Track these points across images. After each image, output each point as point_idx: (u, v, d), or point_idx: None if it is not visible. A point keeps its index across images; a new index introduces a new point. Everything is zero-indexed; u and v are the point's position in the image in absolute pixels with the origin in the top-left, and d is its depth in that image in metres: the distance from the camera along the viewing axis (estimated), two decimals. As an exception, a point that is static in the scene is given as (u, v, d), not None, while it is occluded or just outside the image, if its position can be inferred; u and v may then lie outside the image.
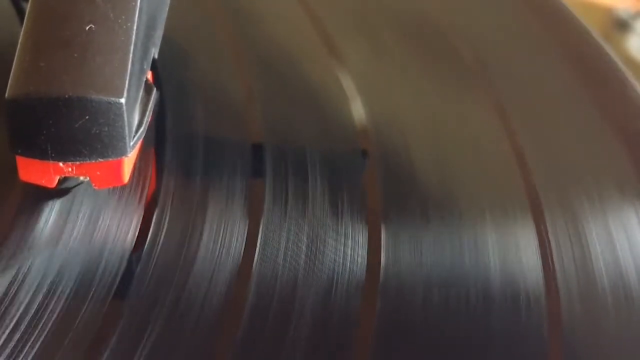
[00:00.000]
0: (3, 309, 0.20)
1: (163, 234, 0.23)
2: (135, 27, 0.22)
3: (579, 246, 0.24)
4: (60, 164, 0.21)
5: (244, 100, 0.27)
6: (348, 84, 0.28)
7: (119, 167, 0.22)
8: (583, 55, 0.31)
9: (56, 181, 0.22)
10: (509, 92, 0.29)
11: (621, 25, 0.66)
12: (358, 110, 0.27)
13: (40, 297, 0.21)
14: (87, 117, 0.21)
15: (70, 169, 0.21)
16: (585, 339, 0.22)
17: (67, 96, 0.20)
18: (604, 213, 0.25)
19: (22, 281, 0.21)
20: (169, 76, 0.27)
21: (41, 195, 0.23)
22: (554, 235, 0.24)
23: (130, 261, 0.22)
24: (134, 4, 0.22)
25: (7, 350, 0.20)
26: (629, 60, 0.63)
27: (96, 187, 0.22)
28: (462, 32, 0.32)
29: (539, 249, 0.24)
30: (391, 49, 0.31)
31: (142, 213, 0.23)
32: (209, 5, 0.31)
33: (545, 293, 0.23)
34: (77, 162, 0.21)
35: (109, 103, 0.21)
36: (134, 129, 0.22)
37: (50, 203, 0.23)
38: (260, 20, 0.31)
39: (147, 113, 0.23)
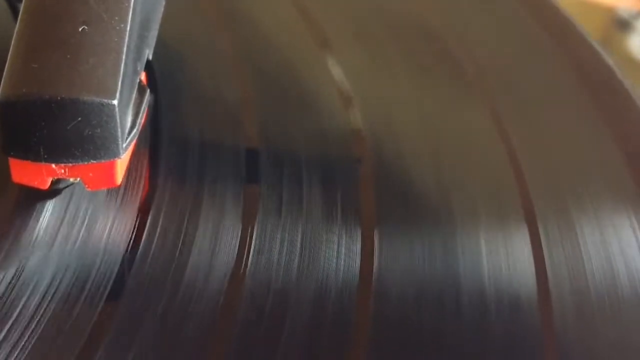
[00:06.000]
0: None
1: (157, 236, 0.23)
2: (128, 29, 0.22)
3: (572, 252, 0.24)
4: (53, 165, 0.21)
5: (240, 104, 0.27)
6: (344, 89, 0.28)
7: (111, 169, 0.22)
8: (580, 61, 0.31)
9: (49, 183, 0.22)
10: (506, 98, 0.29)
11: (622, 25, 0.65)
12: (353, 116, 0.27)
13: (34, 298, 0.21)
14: (79, 119, 0.21)
15: (62, 171, 0.21)
16: (578, 344, 0.22)
17: (59, 98, 0.20)
18: (597, 219, 0.25)
19: (17, 282, 0.21)
20: (164, 79, 0.27)
21: (37, 197, 0.23)
22: (547, 241, 0.24)
23: (124, 263, 0.22)
24: (127, 5, 0.22)
25: (1, 351, 0.20)
26: (630, 60, 0.63)
27: (89, 189, 0.22)
28: (460, 37, 0.32)
29: (532, 255, 0.24)
30: (387, 54, 0.31)
31: (137, 215, 0.23)
32: (205, 8, 0.31)
33: (538, 298, 0.23)
34: (70, 164, 0.21)
35: (102, 104, 0.21)
36: (126, 130, 0.22)
37: (45, 204, 0.23)
38: (257, 24, 0.31)
39: (140, 114, 0.22)
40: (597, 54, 0.31)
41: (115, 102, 0.21)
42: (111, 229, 0.23)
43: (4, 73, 0.21)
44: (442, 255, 0.23)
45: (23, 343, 0.20)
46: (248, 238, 0.23)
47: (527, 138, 0.28)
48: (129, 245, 0.22)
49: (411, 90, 0.29)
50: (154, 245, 0.22)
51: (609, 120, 0.29)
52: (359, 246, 0.23)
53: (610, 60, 0.31)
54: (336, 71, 0.29)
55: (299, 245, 0.23)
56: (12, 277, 0.21)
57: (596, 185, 0.26)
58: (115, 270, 0.22)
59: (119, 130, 0.21)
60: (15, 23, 0.22)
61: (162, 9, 0.26)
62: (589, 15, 0.64)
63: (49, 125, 0.21)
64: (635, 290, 0.23)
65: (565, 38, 0.32)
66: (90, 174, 0.22)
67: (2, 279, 0.21)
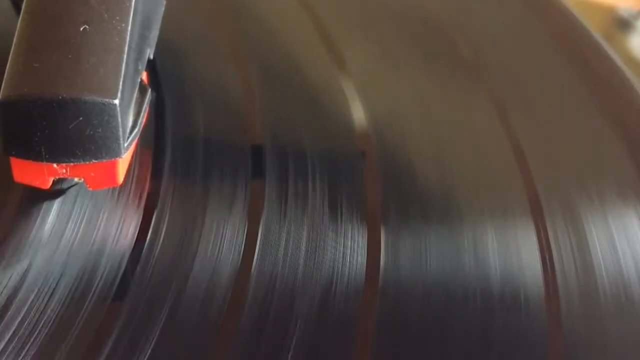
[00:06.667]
0: (2, 310, 0.20)
1: (162, 235, 0.23)
2: (129, 28, 0.22)
3: (579, 247, 0.24)
4: (54, 165, 0.21)
5: (244, 101, 0.27)
6: (348, 84, 0.28)
7: (113, 169, 0.22)
8: (584, 55, 0.31)
9: (50, 182, 0.22)
10: (510, 94, 0.29)
11: (623, 25, 0.65)
12: (358, 111, 0.27)
13: (38, 299, 0.21)
14: (80, 119, 0.21)
15: (64, 171, 0.21)
16: (585, 341, 0.22)
17: (60, 97, 0.20)
18: (604, 214, 0.25)
19: (21, 282, 0.21)
20: (167, 78, 0.27)
21: (39, 197, 0.23)
22: (554, 236, 0.24)
23: (129, 262, 0.22)
24: (128, 4, 0.22)
25: (6, 352, 0.20)
26: (631, 60, 0.63)
27: (91, 189, 0.22)
28: (464, 32, 0.32)
29: (539, 250, 0.24)
30: (391, 49, 0.31)
31: (142, 214, 0.23)
32: (206, 5, 0.31)
33: (545, 294, 0.23)
34: (71, 164, 0.21)
35: (103, 104, 0.21)
36: (127, 130, 0.22)
37: (49, 204, 0.23)
38: (261, 21, 0.31)
39: (141, 114, 0.22)
40: (599, 47, 0.31)
41: (116, 101, 0.21)
42: (115, 228, 0.23)
43: (5, 73, 0.21)
44: (448, 251, 0.23)
45: (29, 343, 0.20)
46: (254, 234, 0.23)
47: (532, 133, 0.27)
48: (133, 244, 0.22)
49: (415, 85, 0.29)
50: (159, 244, 0.22)
51: (612, 114, 0.29)
52: (364, 241, 0.23)
53: (613, 55, 0.31)
54: (340, 66, 0.29)
55: (304, 240, 0.23)
56: (17, 278, 0.21)
57: (602, 179, 0.26)
58: (120, 269, 0.22)
59: (120, 129, 0.21)
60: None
61: (163, 8, 0.26)
62: (589, 14, 0.64)
63: (50, 125, 0.21)
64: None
65: (570, 34, 0.32)
66: (92, 174, 0.22)
67: (6, 280, 0.21)
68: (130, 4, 0.22)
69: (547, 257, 0.23)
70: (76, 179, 0.22)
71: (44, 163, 0.21)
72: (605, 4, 0.66)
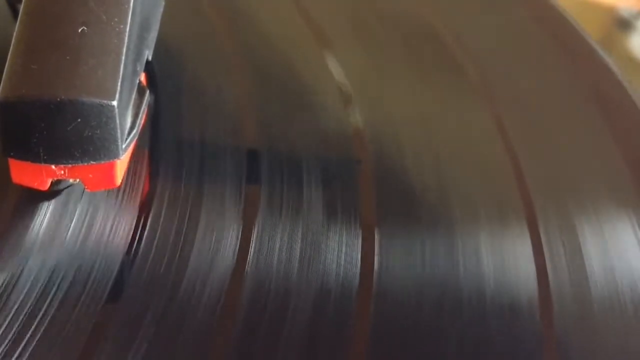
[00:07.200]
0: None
1: (157, 236, 0.23)
2: (128, 30, 0.22)
3: (574, 255, 0.24)
4: (53, 166, 0.21)
5: (240, 105, 0.27)
6: (344, 90, 0.28)
7: (111, 170, 0.22)
8: (583, 65, 0.31)
9: (49, 184, 0.22)
10: (506, 99, 0.29)
11: (623, 25, 0.65)
12: (354, 116, 0.27)
13: (33, 299, 0.21)
14: (79, 120, 0.21)
15: (62, 172, 0.21)
16: (578, 348, 0.22)
17: (59, 99, 0.20)
18: (599, 222, 0.25)
19: (16, 282, 0.21)
20: (164, 80, 0.27)
21: (37, 198, 0.23)
22: (548, 243, 0.24)
23: (124, 263, 0.22)
24: (126, 6, 0.22)
25: (1, 352, 0.20)
26: (631, 60, 0.63)
27: (89, 190, 0.22)
28: (460, 37, 0.32)
29: (533, 257, 0.24)
30: (388, 55, 0.31)
31: (137, 215, 0.23)
32: (205, 8, 0.31)
33: (539, 301, 0.23)
34: (70, 165, 0.21)
35: (101, 106, 0.21)
36: (126, 131, 0.22)
37: (45, 205, 0.23)
38: (257, 24, 0.31)
39: (140, 115, 0.22)
40: (599, 58, 0.31)
41: (114, 103, 0.21)
42: (111, 230, 0.23)
43: (3, 74, 0.21)
44: (442, 257, 0.23)
45: (23, 344, 0.20)
46: (248, 238, 0.23)
47: (528, 139, 0.28)
48: (129, 245, 0.22)
49: (411, 91, 0.29)
50: (154, 246, 0.22)
51: (609, 121, 0.29)
52: (359, 247, 0.23)
53: (610, 61, 0.31)
54: (337, 71, 0.29)
55: (299, 245, 0.23)
56: (12, 278, 0.21)
57: (596, 186, 0.26)
58: (115, 270, 0.22)
59: (119, 131, 0.21)
60: (15, 24, 0.22)
61: (161, 10, 0.26)
62: (589, 15, 0.64)
63: (48, 127, 0.21)
64: (636, 292, 0.23)
65: (568, 42, 0.32)
66: (90, 175, 0.22)
67: (2, 280, 0.21)
68: (129, 6, 0.22)
69: (541, 264, 0.23)
70: (72, 180, 0.22)
71: (42, 164, 0.21)
72: (605, 4, 0.66)
